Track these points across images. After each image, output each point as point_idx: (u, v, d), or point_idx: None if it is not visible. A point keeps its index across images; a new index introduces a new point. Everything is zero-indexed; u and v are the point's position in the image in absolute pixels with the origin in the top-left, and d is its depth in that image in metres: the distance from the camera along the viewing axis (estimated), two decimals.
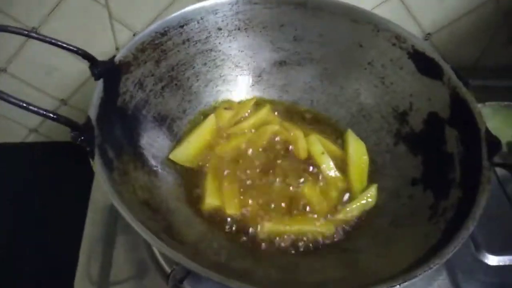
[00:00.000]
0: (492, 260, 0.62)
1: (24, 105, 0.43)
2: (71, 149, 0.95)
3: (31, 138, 1.00)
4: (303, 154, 0.64)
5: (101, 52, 0.82)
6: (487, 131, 0.52)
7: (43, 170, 0.97)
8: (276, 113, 0.70)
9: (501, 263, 0.62)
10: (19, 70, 0.85)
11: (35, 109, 0.44)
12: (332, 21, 0.66)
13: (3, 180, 0.95)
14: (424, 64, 0.61)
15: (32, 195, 0.93)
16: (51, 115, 0.45)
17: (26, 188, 0.95)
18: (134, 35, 0.81)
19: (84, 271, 0.63)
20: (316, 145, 0.64)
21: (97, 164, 0.46)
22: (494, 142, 0.52)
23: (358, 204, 0.60)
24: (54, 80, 0.89)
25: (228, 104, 0.69)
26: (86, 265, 0.63)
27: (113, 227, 0.67)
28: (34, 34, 0.50)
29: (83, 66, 0.84)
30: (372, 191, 0.61)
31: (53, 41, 0.51)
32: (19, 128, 0.97)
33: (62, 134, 0.99)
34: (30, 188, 0.95)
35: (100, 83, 0.53)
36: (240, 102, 0.71)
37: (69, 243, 0.66)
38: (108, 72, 0.54)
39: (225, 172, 0.62)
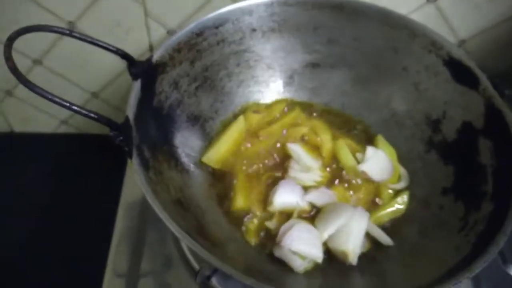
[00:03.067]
0: None
1: (68, 104, 0.45)
2: (100, 142, 0.97)
3: (62, 129, 1.02)
4: (328, 158, 0.64)
5: (134, 49, 0.84)
6: None
7: (72, 161, 0.99)
8: (306, 115, 0.71)
9: None
10: (53, 62, 0.87)
11: (78, 108, 0.45)
12: (368, 25, 0.66)
13: (33, 169, 0.97)
14: (460, 72, 0.60)
15: (61, 184, 0.95)
16: (93, 115, 0.46)
17: (55, 177, 0.97)
18: (167, 33, 0.81)
19: (114, 263, 0.65)
20: (343, 149, 0.64)
21: (135, 164, 0.47)
22: None
23: (387, 211, 0.61)
24: (86, 73, 0.90)
25: (257, 107, 0.70)
26: (115, 258, 0.65)
27: (143, 222, 0.68)
28: (76, 34, 0.51)
29: (115, 60, 0.86)
30: (404, 198, 0.61)
31: (94, 41, 0.52)
32: (50, 119, 1.00)
33: (91, 126, 1.01)
34: (59, 177, 0.97)
35: (137, 83, 0.54)
36: (268, 106, 0.71)
37: (97, 235, 0.68)
38: (145, 72, 0.55)
39: (254, 174, 0.62)
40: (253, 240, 0.58)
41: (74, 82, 0.91)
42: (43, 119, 0.99)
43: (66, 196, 0.93)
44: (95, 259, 0.65)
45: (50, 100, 0.44)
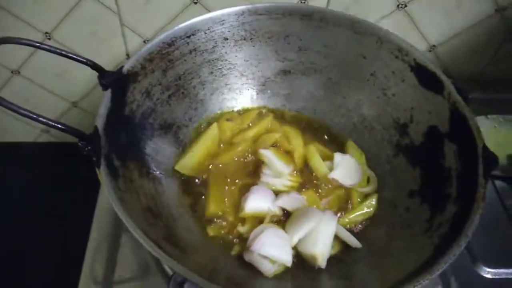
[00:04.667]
0: (488, 272, 0.63)
1: (34, 116, 0.45)
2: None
3: (43, 138, 1.03)
4: (299, 164, 0.65)
5: (111, 58, 0.85)
6: (485, 147, 0.53)
7: (53, 169, 0.99)
8: (279, 122, 0.72)
9: (497, 276, 0.63)
10: (31, 73, 0.88)
11: (44, 120, 0.46)
12: (337, 32, 0.67)
13: (15, 178, 0.97)
14: (426, 78, 0.62)
15: (42, 193, 0.95)
16: (59, 125, 0.47)
17: (36, 186, 0.97)
18: (144, 42, 0.83)
19: (89, 270, 0.65)
20: (314, 156, 0.65)
21: (102, 174, 0.48)
22: (491, 159, 0.52)
23: (356, 214, 0.62)
24: (65, 83, 0.91)
25: (230, 115, 0.71)
26: (91, 265, 0.66)
27: (118, 229, 0.69)
28: (45, 46, 0.52)
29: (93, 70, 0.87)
30: (372, 201, 0.63)
31: (63, 52, 0.53)
32: (31, 129, 1.00)
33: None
34: (40, 186, 0.97)
35: (107, 93, 0.55)
36: (241, 113, 0.73)
37: (75, 242, 0.69)
38: (116, 82, 0.56)
39: (227, 181, 0.63)
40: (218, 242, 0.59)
41: (53, 92, 0.92)
42: (23, 129, 1.00)
43: (47, 204, 0.93)
44: (72, 266, 0.65)
45: (17, 112, 0.45)
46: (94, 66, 0.55)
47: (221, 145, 0.67)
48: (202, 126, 0.70)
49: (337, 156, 0.64)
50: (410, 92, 0.64)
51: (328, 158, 0.66)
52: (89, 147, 0.48)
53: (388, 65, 0.65)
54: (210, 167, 0.65)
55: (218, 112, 0.72)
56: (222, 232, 0.60)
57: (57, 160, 1.01)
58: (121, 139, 0.56)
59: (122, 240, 0.67)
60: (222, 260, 0.56)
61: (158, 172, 0.61)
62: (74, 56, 0.54)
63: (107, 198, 0.71)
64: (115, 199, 0.46)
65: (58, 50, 0.53)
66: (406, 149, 0.64)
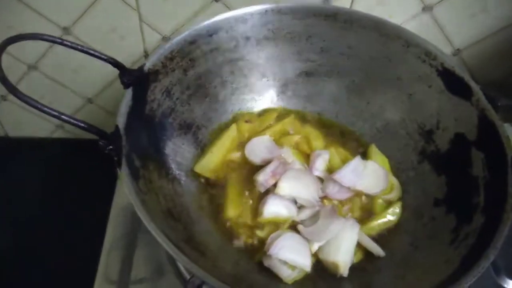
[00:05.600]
0: None
1: (56, 114, 0.44)
2: (96, 147, 0.97)
3: (57, 134, 1.02)
4: None
5: (129, 55, 0.84)
6: None
7: (68, 165, 0.99)
8: (300, 123, 0.70)
9: None
10: (48, 68, 0.87)
11: (67, 118, 0.45)
12: (362, 34, 0.66)
13: (29, 173, 0.97)
14: (453, 83, 0.60)
15: (56, 189, 0.95)
16: (82, 124, 0.46)
17: (50, 182, 0.97)
18: (162, 38, 0.82)
19: (105, 269, 0.65)
20: (334, 159, 0.64)
21: (124, 174, 0.47)
22: None
23: (380, 221, 0.60)
24: (81, 79, 0.90)
25: (249, 117, 0.70)
26: (106, 264, 0.65)
27: (135, 229, 0.68)
28: (67, 42, 0.51)
29: (110, 66, 0.86)
30: (396, 209, 0.61)
31: (84, 49, 0.52)
32: (46, 124, 0.99)
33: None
34: (54, 182, 0.97)
35: (129, 92, 0.54)
36: (260, 114, 0.71)
37: (90, 240, 0.68)
38: (137, 80, 0.55)
39: (246, 183, 0.62)
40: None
41: (69, 88, 0.91)
42: (38, 124, 0.99)
43: (61, 200, 0.93)
44: (87, 265, 0.65)
45: (39, 109, 0.44)
46: (115, 63, 0.54)
47: (240, 147, 0.66)
48: (221, 127, 0.68)
49: (355, 161, 0.61)
50: (437, 97, 0.62)
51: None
52: (110, 147, 0.47)
53: (414, 69, 0.64)
54: (230, 168, 0.64)
55: (238, 112, 0.70)
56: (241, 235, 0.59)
57: (71, 156, 1.01)
58: (141, 139, 0.55)
59: (138, 240, 0.67)
60: (242, 265, 0.55)
61: (177, 173, 0.60)
62: (96, 53, 0.53)
63: (123, 197, 0.72)
64: (137, 200, 0.45)
65: (79, 47, 0.52)
66: (431, 156, 0.62)
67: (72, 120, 0.46)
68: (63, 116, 0.45)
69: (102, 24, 0.80)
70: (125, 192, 0.71)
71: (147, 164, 0.54)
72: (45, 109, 0.44)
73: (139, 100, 0.55)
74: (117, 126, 0.50)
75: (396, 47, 0.64)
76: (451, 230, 0.54)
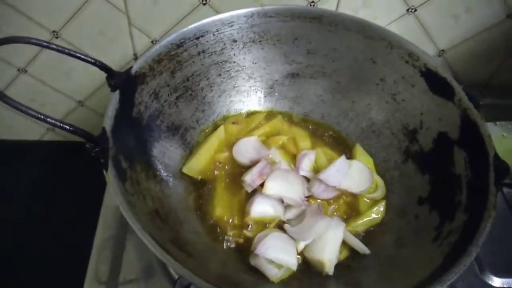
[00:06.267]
0: (496, 281, 0.62)
1: (42, 117, 0.45)
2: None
3: (48, 136, 1.02)
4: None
5: (119, 57, 0.85)
6: (496, 155, 0.52)
7: (58, 168, 0.99)
8: (287, 123, 0.71)
9: (505, 285, 0.62)
10: (38, 71, 0.87)
11: (53, 121, 0.45)
12: (346, 36, 0.67)
13: (20, 176, 0.97)
14: (436, 83, 0.61)
15: (46, 192, 0.95)
16: (68, 127, 0.46)
17: (41, 185, 0.97)
18: (152, 42, 0.82)
19: (94, 270, 0.65)
20: (320, 159, 0.65)
21: (110, 176, 0.48)
22: (502, 167, 0.52)
23: (365, 220, 0.61)
24: (72, 82, 0.91)
25: (236, 119, 0.71)
26: (96, 265, 0.66)
27: (124, 230, 0.69)
28: (53, 46, 0.51)
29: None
30: (380, 207, 0.62)
31: (71, 52, 0.53)
32: (36, 127, 1.00)
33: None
34: (45, 185, 0.97)
35: (116, 94, 0.54)
36: (247, 116, 0.72)
37: (80, 241, 0.69)
38: (124, 83, 0.55)
39: (234, 183, 0.63)
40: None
41: (59, 90, 0.92)
42: (29, 127, 1.00)
43: (51, 202, 0.93)
44: (76, 265, 0.65)
45: (25, 113, 0.44)
46: (102, 66, 0.55)
47: (228, 148, 0.66)
48: (209, 129, 0.69)
49: (340, 161, 0.62)
50: (420, 97, 0.63)
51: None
52: (97, 149, 0.48)
53: (398, 70, 0.65)
54: (217, 169, 0.65)
55: (226, 114, 0.71)
56: (228, 235, 0.59)
57: (62, 159, 1.01)
58: (128, 141, 0.55)
59: (127, 241, 0.67)
60: (230, 265, 0.56)
61: (165, 175, 0.60)
62: (82, 56, 0.54)
63: (113, 199, 0.72)
64: (123, 202, 0.46)
65: (66, 50, 0.52)
66: (415, 155, 0.63)
67: (58, 123, 0.46)
68: (49, 119, 0.45)
69: (92, 27, 0.80)
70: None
71: (135, 166, 0.54)
72: (31, 112, 0.44)
73: (126, 102, 0.56)
74: (104, 129, 0.50)
75: (380, 49, 0.65)
76: (434, 228, 0.54)
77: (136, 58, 0.86)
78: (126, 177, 0.51)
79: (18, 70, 0.86)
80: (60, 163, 1.00)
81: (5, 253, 0.86)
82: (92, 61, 0.54)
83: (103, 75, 0.87)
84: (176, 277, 0.61)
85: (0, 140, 1.03)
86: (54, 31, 0.80)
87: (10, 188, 0.95)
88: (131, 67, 0.58)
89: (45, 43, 0.51)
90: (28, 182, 0.96)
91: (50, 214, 0.90)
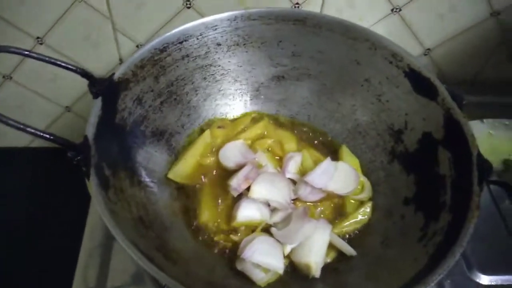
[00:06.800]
0: (484, 279, 0.63)
1: (21, 126, 0.45)
2: None
3: (36, 143, 1.02)
4: None
5: (104, 63, 0.84)
6: (479, 154, 0.52)
7: (46, 175, 0.98)
8: (273, 126, 0.71)
9: (493, 283, 0.63)
10: (24, 77, 0.87)
11: (33, 131, 0.45)
12: (330, 38, 0.67)
13: (7, 183, 0.97)
14: (420, 84, 0.61)
15: (34, 199, 0.95)
16: (47, 135, 0.46)
17: (28, 192, 0.96)
18: (137, 46, 0.82)
19: (82, 277, 0.65)
20: (307, 161, 0.65)
21: (92, 184, 0.47)
22: (485, 167, 0.52)
23: (351, 221, 0.61)
24: (58, 87, 0.90)
25: (222, 123, 0.70)
26: (84, 271, 0.65)
27: (111, 236, 0.68)
28: (33, 54, 0.51)
29: None
30: (367, 208, 0.62)
31: (52, 60, 0.53)
32: (23, 133, 0.99)
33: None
34: (32, 191, 0.96)
35: (98, 102, 0.54)
36: (234, 120, 0.72)
37: (67, 248, 0.68)
38: (107, 90, 0.55)
39: (220, 188, 0.63)
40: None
41: (46, 97, 0.91)
42: (16, 133, 0.99)
43: (39, 209, 0.93)
44: (64, 272, 0.65)
45: (4, 123, 0.44)
46: (83, 73, 0.55)
47: (214, 152, 0.66)
48: (194, 133, 0.69)
49: (326, 163, 0.62)
50: (405, 98, 0.63)
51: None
52: (79, 157, 0.48)
53: (382, 71, 0.65)
54: (203, 174, 0.64)
55: (211, 118, 0.71)
56: (216, 240, 0.59)
57: (50, 166, 1.00)
58: (112, 148, 0.55)
59: (114, 248, 0.66)
60: (217, 270, 0.56)
61: (149, 181, 0.60)
62: (63, 64, 0.54)
63: None
64: (105, 211, 0.46)
65: (47, 58, 0.52)
66: (400, 155, 0.63)
67: (38, 133, 0.46)
68: (28, 129, 0.45)
69: (76, 33, 0.80)
70: None
71: (118, 173, 0.54)
72: (10, 122, 0.44)
73: (109, 109, 0.56)
74: (86, 137, 0.50)
75: (364, 50, 0.65)
76: (420, 228, 0.55)
77: (121, 63, 0.85)
78: (109, 185, 0.51)
79: (4, 77, 0.86)
80: (47, 169, 1.00)
81: None
82: (73, 68, 0.54)
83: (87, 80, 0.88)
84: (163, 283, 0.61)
85: None
86: (38, 37, 0.79)
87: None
88: (113, 74, 0.57)
89: (25, 52, 0.51)
90: (15, 189, 0.96)
91: (37, 221, 0.90)
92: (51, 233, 0.87)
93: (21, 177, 0.98)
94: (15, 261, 0.85)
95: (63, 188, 0.94)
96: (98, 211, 0.69)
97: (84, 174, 0.48)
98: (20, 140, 1.01)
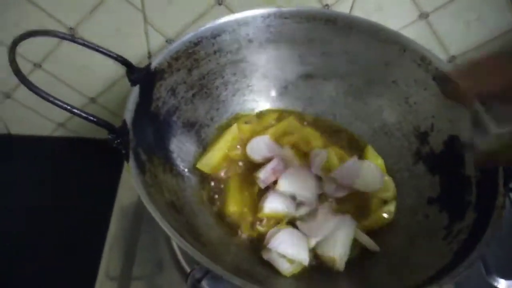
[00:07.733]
0: (502, 284, 0.64)
1: (69, 107, 0.46)
2: (97, 146, 0.99)
3: (59, 132, 1.04)
4: None
5: (132, 55, 0.86)
6: None
7: (69, 163, 1.00)
8: (299, 123, 0.73)
9: None
10: (53, 67, 0.89)
11: (78, 112, 0.47)
12: (360, 39, 0.68)
13: (29, 172, 0.98)
14: (448, 87, 0.62)
15: (57, 188, 0.96)
16: (92, 118, 0.48)
17: (51, 181, 0.98)
18: (166, 41, 0.83)
19: (107, 266, 0.66)
20: (332, 159, 0.66)
21: (132, 166, 0.49)
22: (510, 169, 0.53)
23: (375, 218, 0.62)
24: (84, 78, 0.92)
25: (248, 118, 0.72)
26: (108, 261, 0.67)
27: (136, 226, 0.70)
28: (79, 40, 0.53)
29: (112, 66, 0.88)
30: (391, 207, 0.63)
31: (96, 47, 0.54)
32: (47, 122, 1.01)
33: (88, 130, 1.03)
34: (55, 180, 0.97)
35: (136, 89, 0.55)
36: (259, 116, 0.74)
37: (92, 238, 0.70)
38: (144, 78, 0.57)
39: (247, 180, 0.64)
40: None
41: (72, 87, 0.93)
42: (41, 122, 1.01)
43: (62, 199, 0.93)
44: (89, 262, 0.66)
45: (52, 102, 0.46)
46: (123, 61, 0.56)
47: (241, 145, 0.68)
48: (222, 127, 0.70)
49: (352, 161, 0.63)
50: (432, 100, 0.64)
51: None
52: (118, 140, 0.49)
53: (410, 73, 0.66)
54: (230, 166, 0.66)
55: (239, 112, 0.73)
56: (241, 230, 0.60)
57: (73, 154, 1.02)
58: (147, 135, 0.57)
59: (140, 237, 0.68)
60: (242, 258, 0.57)
61: (180, 169, 0.62)
62: (106, 51, 0.55)
63: (126, 194, 0.74)
64: (144, 192, 0.47)
65: (90, 45, 0.54)
66: (426, 157, 0.64)
67: (82, 114, 0.47)
68: (74, 110, 0.47)
69: (107, 25, 0.81)
70: (127, 190, 0.74)
71: (153, 159, 0.56)
72: (57, 102, 0.46)
73: (145, 97, 0.57)
74: (124, 121, 0.52)
75: (393, 52, 0.67)
76: (444, 227, 0.56)
77: (150, 56, 0.87)
78: (145, 170, 0.53)
79: (34, 65, 0.87)
80: (70, 158, 1.01)
81: (17, 248, 0.87)
82: (114, 55, 0.56)
83: (115, 72, 0.90)
84: (189, 270, 0.62)
85: (11, 135, 1.04)
86: (71, 28, 0.81)
87: (21, 183, 0.96)
88: (150, 63, 0.59)
89: (69, 37, 0.53)
90: (38, 177, 0.97)
91: (61, 209, 0.90)
92: (74, 223, 0.88)
93: (43, 166, 1.00)
94: (38, 251, 0.86)
95: (85, 178, 0.95)
96: (124, 202, 0.72)
97: (123, 156, 0.49)
98: (43, 128, 1.03)
